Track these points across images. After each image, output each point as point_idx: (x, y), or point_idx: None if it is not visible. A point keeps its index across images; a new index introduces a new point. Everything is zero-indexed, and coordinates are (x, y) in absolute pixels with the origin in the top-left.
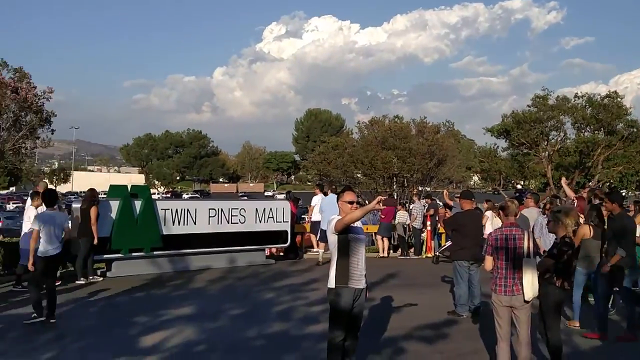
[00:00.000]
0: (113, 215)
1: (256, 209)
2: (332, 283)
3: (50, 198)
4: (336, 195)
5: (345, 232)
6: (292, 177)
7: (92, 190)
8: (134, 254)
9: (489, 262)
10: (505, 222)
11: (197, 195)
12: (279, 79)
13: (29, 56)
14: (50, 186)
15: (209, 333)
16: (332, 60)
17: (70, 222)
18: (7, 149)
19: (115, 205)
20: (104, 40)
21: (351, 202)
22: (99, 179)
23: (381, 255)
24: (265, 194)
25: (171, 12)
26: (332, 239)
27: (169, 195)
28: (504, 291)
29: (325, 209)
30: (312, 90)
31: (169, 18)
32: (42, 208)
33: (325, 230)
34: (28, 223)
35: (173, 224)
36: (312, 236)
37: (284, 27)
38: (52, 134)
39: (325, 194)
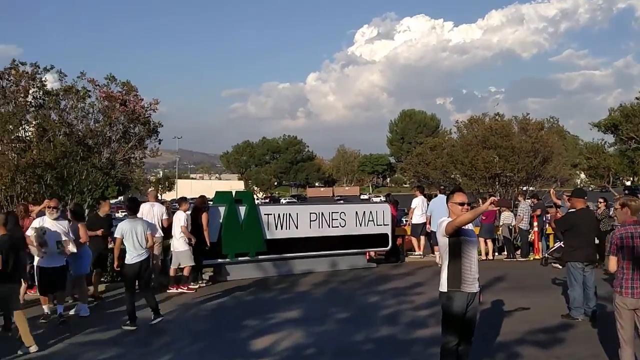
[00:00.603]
0: (220, 220)
1: (356, 213)
2: (444, 287)
3: (132, 206)
4: (445, 197)
5: (457, 235)
6: (388, 180)
7: (202, 197)
8: (240, 258)
9: (612, 262)
10: (628, 220)
11: (294, 199)
12: (371, 81)
13: (134, 69)
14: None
15: (317, 337)
16: (425, 59)
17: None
18: (118, 159)
19: (221, 211)
20: (201, 52)
21: (462, 204)
22: (201, 187)
23: (484, 257)
24: (361, 197)
25: (264, 20)
26: (443, 241)
27: (267, 200)
28: (631, 293)
29: (434, 211)
30: (405, 91)
31: (262, 27)
32: (150, 210)
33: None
34: (178, 228)
35: (276, 229)
36: (413, 239)
37: (376, 29)
38: (159, 143)
39: (426, 196)
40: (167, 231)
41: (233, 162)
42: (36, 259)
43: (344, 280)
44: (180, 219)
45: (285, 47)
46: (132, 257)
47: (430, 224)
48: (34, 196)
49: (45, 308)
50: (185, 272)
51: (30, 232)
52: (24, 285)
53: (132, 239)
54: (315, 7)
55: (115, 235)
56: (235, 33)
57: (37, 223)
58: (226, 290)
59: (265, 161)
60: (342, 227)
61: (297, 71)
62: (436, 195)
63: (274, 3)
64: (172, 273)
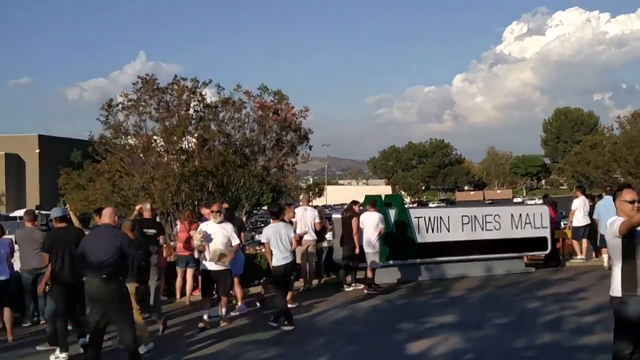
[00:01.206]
0: None
1: (512, 215)
2: (617, 291)
3: (275, 211)
4: (611, 197)
5: (631, 235)
6: (542, 182)
7: (353, 202)
8: (391, 262)
9: None
10: None
11: (442, 204)
12: (522, 79)
13: (283, 79)
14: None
15: (475, 342)
16: (581, 54)
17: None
18: (272, 166)
19: None
20: (344, 60)
21: (632, 201)
22: (349, 192)
23: None
24: (514, 200)
25: (405, 24)
26: (615, 243)
27: (415, 204)
28: None
29: (602, 213)
30: (559, 88)
31: (404, 30)
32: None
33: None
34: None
35: (427, 232)
36: (575, 242)
37: (526, 25)
38: (310, 149)
39: (587, 197)
40: (320, 234)
41: (380, 168)
42: (204, 261)
43: (500, 285)
44: (376, 220)
45: (429, 49)
46: (278, 259)
47: (599, 226)
48: (197, 203)
49: (205, 315)
50: (369, 274)
51: (192, 236)
52: (189, 287)
53: (276, 243)
54: (459, 7)
55: (262, 241)
56: (375, 38)
57: (201, 227)
58: (379, 293)
59: (412, 166)
60: (497, 230)
61: (442, 73)
62: (601, 197)
63: (415, 6)
64: (369, 274)
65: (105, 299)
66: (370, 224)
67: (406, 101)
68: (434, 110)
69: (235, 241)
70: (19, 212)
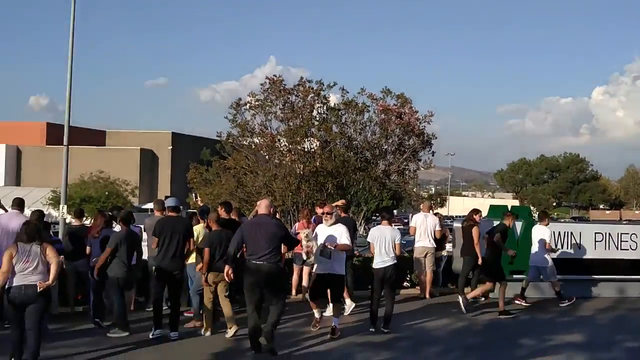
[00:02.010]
0: None
1: None
2: None
3: (386, 215)
4: None
5: None
6: None
7: (474, 211)
8: (514, 276)
9: None
10: None
11: (574, 222)
12: None
13: (411, 85)
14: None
15: None
16: None
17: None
18: (393, 170)
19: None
20: (478, 68)
21: None
22: (473, 204)
23: None
24: None
25: (545, 33)
26: None
27: None
28: None
29: None
30: None
31: (544, 40)
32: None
33: None
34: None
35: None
36: None
37: None
38: (433, 155)
39: None
40: (440, 242)
41: (507, 180)
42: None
43: (633, 308)
44: (545, 234)
45: (567, 60)
46: (377, 262)
47: None
48: (316, 202)
49: (316, 313)
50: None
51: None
52: (304, 284)
53: (379, 245)
54: (601, 18)
55: (368, 240)
56: (510, 45)
57: (316, 231)
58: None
59: (543, 180)
60: (633, 250)
61: (581, 85)
62: None
63: (553, 17)
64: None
65: (265, 281)
66: (545, 236)
67: (540, 112)
68: (570, 123)
69: (346, 242)
70: (151, 205)
